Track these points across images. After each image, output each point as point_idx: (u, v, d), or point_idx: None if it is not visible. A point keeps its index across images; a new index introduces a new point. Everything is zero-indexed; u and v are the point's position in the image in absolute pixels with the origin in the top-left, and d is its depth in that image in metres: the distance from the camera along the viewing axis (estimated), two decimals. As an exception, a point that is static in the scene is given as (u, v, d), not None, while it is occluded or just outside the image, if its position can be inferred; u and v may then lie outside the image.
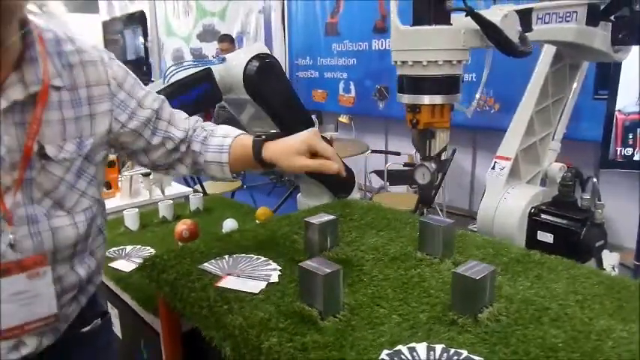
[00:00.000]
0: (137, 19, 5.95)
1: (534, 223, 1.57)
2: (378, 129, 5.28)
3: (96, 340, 1.05)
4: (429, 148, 1.32)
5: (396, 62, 1.27)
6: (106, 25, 7.09)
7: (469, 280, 0.89)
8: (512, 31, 1.23)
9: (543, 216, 1.56)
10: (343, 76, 5.34)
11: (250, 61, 1.83)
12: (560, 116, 1.81)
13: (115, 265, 1.62)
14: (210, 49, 6.42)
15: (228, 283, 1.08)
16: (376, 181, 4.74)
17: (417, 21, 1.22)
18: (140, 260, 1.31)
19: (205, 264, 1.18)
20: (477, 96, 1.53)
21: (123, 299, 1.57)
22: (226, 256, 1.22)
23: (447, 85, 1.24)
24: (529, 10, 1.34)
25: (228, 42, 5.37)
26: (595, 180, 1.57)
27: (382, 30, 4.81)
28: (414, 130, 1.31)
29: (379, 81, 4.96)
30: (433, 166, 1.33)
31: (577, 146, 3.13)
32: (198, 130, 1.11)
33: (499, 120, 3.78)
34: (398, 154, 4.56)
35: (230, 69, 1.87)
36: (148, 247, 1.74)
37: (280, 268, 1.15)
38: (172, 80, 1.78)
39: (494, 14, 1.21)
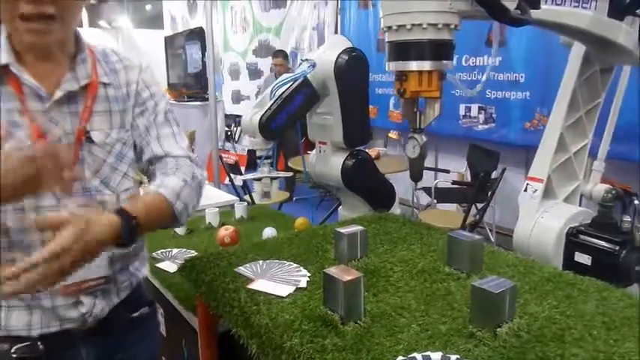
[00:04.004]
0: (197, 35, 6.23)
1: (572, 244, 1.54)
2: (427, 145, 5.25)
3: (143, 327, 1.16)
4: (419, 120, 1.26)
5: (383, 29, 1.23)
6: (169, 40, 7.46)
7: (488, 293, 0.91)
8: None
9: (581, 237, 1.53)
10: (393, 92, 5.37)
11: (340, 54, 1.92)
12: (603, 130, 1.74)
13: (160, 265, 1.73)
14: (265, 63, 6.61)
15: (259, 285, 1.14)
16: (424, 198, 4.71)
17: None
18: (183, 262, 1.40)
19: (240, 267, 1.25)
20: (483, 78, 1.49)
21: (167, 298, 1.67)
22: (260, 261, 1.29)
23: (434, 50, 1.18)
24: None
25: (282, 57, 5.52)
26: (638, 202, 1.53)
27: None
28: (401, 100, 1.27)
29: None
30: (424, 138, 1.29)
31: (629, 167, 3.00)
32: (170, 164, 1.10)
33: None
34: (447, 171, 4.51)
35: (322, 66, 1.97)
36: (192, 251, 1.83)
37: (310, 274, 1.20)
38: (277, 94, 1.96)
39: None
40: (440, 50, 1.20)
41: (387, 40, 1.24)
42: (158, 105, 1.10)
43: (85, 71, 0.99)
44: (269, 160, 2.10)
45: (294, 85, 1.96)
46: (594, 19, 1.44)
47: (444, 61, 1.22)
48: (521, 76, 3.85)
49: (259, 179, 2.09)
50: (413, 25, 1.16)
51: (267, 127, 1.94)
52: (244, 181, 4.11)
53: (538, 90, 3.70)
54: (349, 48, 1.96)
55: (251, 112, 2.02)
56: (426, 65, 1.20)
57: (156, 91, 1.11)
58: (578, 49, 1.66)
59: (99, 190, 1.00)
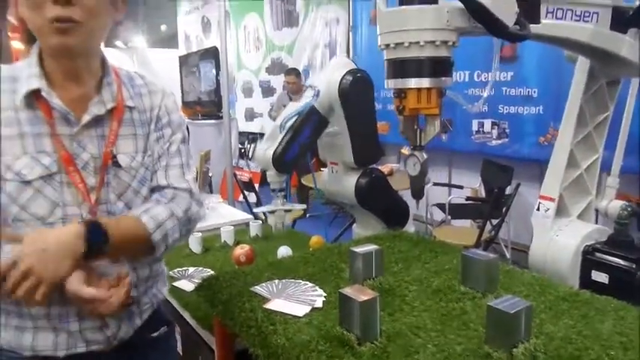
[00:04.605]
0: (211, 54, 6.33)
1: (588, 262, 1.53)
2: (440, 161, 5.24)
3: (162, 346, 1.18)
4: (419, 137, 1.26)
5: (381, 47, 1.22)
6: (183, 60, 7.58)
7: (503, 313, 0.91)
8: (506, 13, 1.16)
9: (598, 255, 1.52)
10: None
11: (344, 76, 1.95)
12: (614, 143, 1.73)
13: (177, 284, 1.75)
14: (278, 81, 6.69)
15: (275, 305, 1.16)
16: (438, 214, 4.69)
17: (403, 2, 1.19)
18: (200, 281, 1.41)
19: (256, 286, 1.27)
20: (485, 95, 1.49)
21: (184, 317, 1.69)
22: (276, 280, 1.30)
23: (432, 67, 1.18)
24: (537, 1, 1.28)
25: (294, 75, 5.59)
26: (655, 218, 1.52)
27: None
28: (400, 117, 1.26)
29: (442, 114, 4.96)
30: (424, 155, 1.28)
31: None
32: (167, 195, 1.09)
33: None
34: (461, 187, 4.50)
35: (327, 89, 1.99)
36: (209, 270, 1.85)
37: (325, 294, 1.21)
38: (287, 127, 1.99)
39: None
40: (438, 67, 1.21)
41: (385, 58, 1.25)
42: (174, 134, 1.11)
43: (110, 94, 1.02)
44: (283, 193, 2.12)
45: (304, 117, 1.97)
46: (595, 33, 1.44)
47: (443, 78, 1.23)
48: (534, 91, 3.85)
49: (273, 212, 2.11)
50: (410, 42, 1.17)
51: (281, 161, 1.97)
52: (258, 198, 4.15)
53: (551, 104, 3.69)
54: (353, 69, 1.98)
55: (264, 147, 2.05)
56: (425, 82, 1.21)
57: (175, 118, 1.12)
58: (582, 64, 1.66)
59: (123, 213, 1.02)
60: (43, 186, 0.94)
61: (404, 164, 5.44)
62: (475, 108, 1.43)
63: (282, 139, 1.97)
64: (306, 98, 2.01)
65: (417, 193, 1.50)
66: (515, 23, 1.21)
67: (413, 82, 1.21)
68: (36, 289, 0.83)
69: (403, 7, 1.19)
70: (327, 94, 1.96)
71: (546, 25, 1.32)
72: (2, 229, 0.91)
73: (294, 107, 2.03)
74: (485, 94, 1.52)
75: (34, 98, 0.95)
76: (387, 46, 1.22)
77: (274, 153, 1.97)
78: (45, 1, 0.88)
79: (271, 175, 2.05)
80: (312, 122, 1.98)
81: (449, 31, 1.18)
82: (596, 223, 2.13)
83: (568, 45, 1.58)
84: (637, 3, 1.50)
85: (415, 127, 1.29)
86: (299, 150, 2.00)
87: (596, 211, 1.83)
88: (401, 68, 1.22)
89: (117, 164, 1.01)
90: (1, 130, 0.93)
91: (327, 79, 1.99)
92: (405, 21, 1.18)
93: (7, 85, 0.96)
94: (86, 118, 0.98)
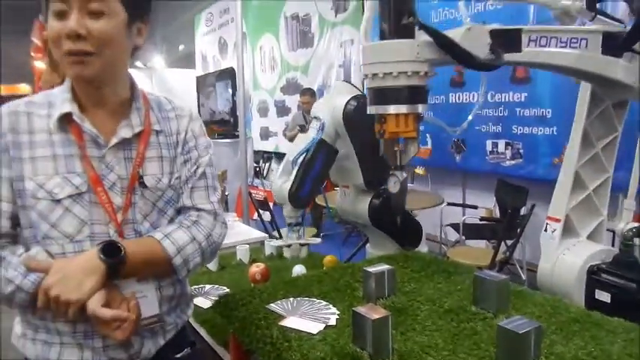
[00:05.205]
0: (228, 75, 6.47)
1: (593, 281, 1.54)
2: (454, 181, 5.25)
3: None
4: (399, 158, 1.38)
5: (364, 77, 1.36)
6: (200, 80, 7.74)
7: (513, 334, 0.93)
8: (477, 45, 1.28)
9: (603, 275, 1.54)
10: (420, 128, 5.42)
11: (349, 101, 1.99)
12: (629, 163, 1.73)
13: (194, 301, 1.78)
14: (293, 100, 6.78)
15: (290, 322, 1.19)
16: (452, 234, 4.69)
17: (382, 36, 1.32)
18: (216, 298, 1.45)
19: (272, 304, 1.30)
20: (470, 117, 1.57)
21: (200, 334, 1.72)
22: (291, 298, 1.33)
23: (409, 95, 1.30)
24: (517, 31, 1.36)
25: (310, 95, 5.66)
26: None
27: (459, 84, 4.88)
28: (382, 140, 1.38)
29: (456, 134, 4.98)
30: (404, 174, 1.40)
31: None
32: (191, 216, 1.13)
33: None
34: (475, 207, 4.50)
35: (332, 116, 2.03)
36: (224, 287, 1.89)
37: (339, 312, 1.24)
38: (298, 162, 2.02)
39: (460, 30, 1.29)
40: (415, 95, 1.32)
41: (367, 86, 1.37)
42: (201, 157, 1.15)
43: (139, 119, 1.08)
44: (298, 227, 2.16)
45: (313, 152, 2.01)
46: (581, 57, 1.47)
47: (419, 105, 1.34)
48: (548, 112, 3.86)
49: (289, 246, 2.16)
50: (384, 73, 1.29)
51: (296, 196, 2.01)
52: (273, 217, 4.18)
53: (565, 125, 3.67)
54: (357, 95, 2.00)
55: (279, 181, 2.09)
56: (403, 109, 1.32)
57: (202, 142, 1.16)
58: (585, 87, 1.69)
59: (148, 233, 1.06)
60: (72, 205, 1.00)
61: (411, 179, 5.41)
62: (458, 131, 1.52)
63: (296, 175, 2.00)
64: (313, 129, 2.04)
65: (398, 209, 1.71)
66: (490, 51, 1.31)
67: (392, 109, 1.32)
68: (66, 311, 0.91)
69: (380, 42, 1.33)
70: (332, 121, 1.99)
71: (528, 52, 1.40)
72: (29, 258, 0.97)
73: (302, 143, 2.06)
74: (469, 117, 1.60)
75: (66, 122, 1.02)
76: (366, 76, 1.35)
77: (290, 190, 2.01)
78: (60, 36, 0.95)
79: (287, 209, 2.08)
80: (321, 155, 2.01)
81: (419, 63, 1.29)
82: (613, 245, 2.13)
83: (555, 70, 1.63)
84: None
85: (395, 148, 1.39)
86: (312, 185, 2.03)
87: (614, 233, 1.83)
88: (380, 96, 1.34)
89: (143, 185, 1.06)
90: (36, 151, 1.00)
91: (331, 106, 2.03)
92: (381, 54, 1.31)
93: (44, 110, 1.03)
94: (114, 140, 1.04)
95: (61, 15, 0.95)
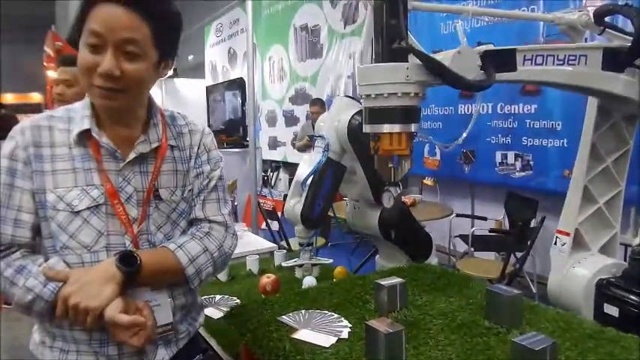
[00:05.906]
0: (237, 85, 6.51)
1: (601, 295, 1.54)
2: (463, 193, 5.23)
3: None
4: (393, 174, 1.41)
5: (359, 97, 1.41)
6: (210, 89, 7.79)
7: (528, 350, 0.93)
8: (467, 67, 1.33)
9: (611, 288, 1.53)
10: (429, 139, 5.42)
11: (353, 116, 1.99)
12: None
13: (205, 312, 1.78)
14: (301, 110, 6.81)
15: (302, 335, 1.19)
16: (461, 246, 4.66)
17: (376, 59, 1.37)
18: (226, 309, 1.46)
19: (284, 316, 1.30)
20: (464, 135, 1.58)
21: (210, 344, 1.72)
22: (303, 311, 1.33)
23: (402, 114, 1.35)
24: (511, 51, 1.40)
25: (319, 105, 5.68)
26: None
27: (468, 96, 4.88)
28: (375, 156, 1.42)
29: (465, 145, 4.96)
30: (398, 190, 1.46)
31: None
32: (203, 228, 1.16)
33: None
34: (484, 219, 4.48)
35: (337, 133, 2.04)
36: (235, 298, 1.89)
37: (351, 325, 1.24)
38: (308, 183, 2.03)
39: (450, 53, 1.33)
40: (407, 114, 1.37)
41: (362, 105, 1.42)
42: (213, 171, 1.18)
43: (156, 135, 1.11)
44: (310, 247, 2.16)
45: (321, 172, 2.02)
46: (575, 73, 1.49)
47: (412, 124, 1.38)
48: (558, 124, 3.85)
49: (301, 266, 2.17)
50: (376, 94, 1.34)
51: (309, 217, 2.01)
52: (281, 227, 4.19)
53: (576, 138, 3.67)
54: (361, 110, 2.00)
55: (292, 202, 2.10)
56: (396, 128, 1.36)
57: (214, 155, 1.20)
58: (592, 102, 1.70)
59: (162, 244, 1.09)
60: (90, 216, 1.02)
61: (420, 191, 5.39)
62: (450, 147, 1.53)
63: (306, 197, 2.01)
64: (318, 149, 2.06)
65: (392, 223, 1.83)
66: (482, 70, 1.36)
67: (385, 128, 1.36)
68: (84, 318, 0.94)
69: (373, 64, 1.39)
70: (338, 138, 2.00)
71: (523, 71, 1.43)
72: (49, 268, 0.99)
73: (310, 165, 2.07)
74: (464, 134, 1.62)
75: (85, 137, 1.04)
76: (361, 96, 1.40)
77: (302, 211, 2.01)
78: (92, 69, 0.97)
79: (299, 230, 2.09)
80: (329, 174, 2.02)
81: (409, 84, 1.34)
82: (626, 259, 2.11)
83: (552, 86, 1.65)
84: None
85: (389, 165, 1.42)
86: (324, 204, 2.03)
87: (626, 247, 1.82)
88: (375, 115, 1.38)
89: (158, 197, 1.08)
90: (57, 165, 1.02)
91: (335, 122, 2.03)
92: (372, 76, 1.36)
93: (64, 125, 1.06)
94: (132, 155, 1.06)
95: (95, 48, 0.97)
